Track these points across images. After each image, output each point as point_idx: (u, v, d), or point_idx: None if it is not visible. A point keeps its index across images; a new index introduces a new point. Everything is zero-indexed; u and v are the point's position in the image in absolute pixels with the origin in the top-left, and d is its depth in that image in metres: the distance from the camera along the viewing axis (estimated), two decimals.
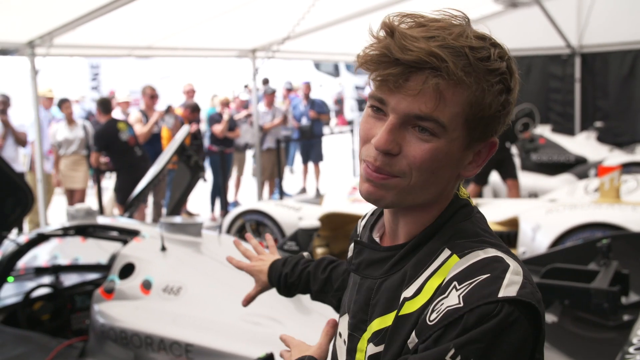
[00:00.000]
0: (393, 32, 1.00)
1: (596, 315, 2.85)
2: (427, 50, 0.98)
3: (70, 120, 8.74)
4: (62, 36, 6.53)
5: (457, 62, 0.99)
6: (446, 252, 1.07)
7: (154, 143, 8.99)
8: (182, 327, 3.25)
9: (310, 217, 6.17)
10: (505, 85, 1.05)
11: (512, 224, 5.87)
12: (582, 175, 7.95)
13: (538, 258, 4.25)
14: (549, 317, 2.88)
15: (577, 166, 8.54)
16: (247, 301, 1.78)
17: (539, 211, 5.77)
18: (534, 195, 8.07)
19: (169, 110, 9.14)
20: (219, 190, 9.95)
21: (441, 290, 1.02)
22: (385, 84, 1.01)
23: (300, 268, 1.70)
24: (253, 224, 6.90)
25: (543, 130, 9.38)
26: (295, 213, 6.56)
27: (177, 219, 4.10)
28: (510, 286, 0.97)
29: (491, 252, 1.03)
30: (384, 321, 1.11)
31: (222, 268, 3.65)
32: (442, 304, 0.99)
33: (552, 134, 9.34)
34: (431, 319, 0.99)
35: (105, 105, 8.35)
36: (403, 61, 0.99)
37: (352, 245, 1.33)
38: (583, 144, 9.27)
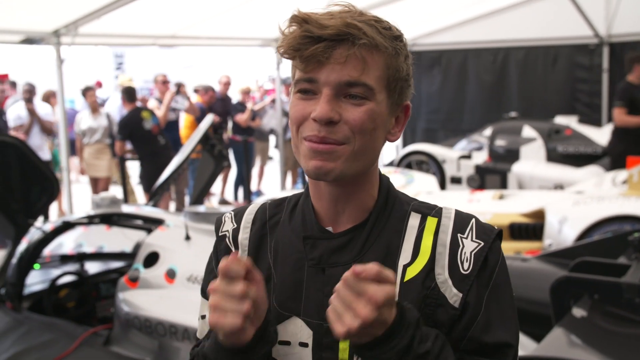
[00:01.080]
0: (307, 19, 1.10)
1: (627, 311, 2.79)
2: (343, 22, 1.09)
3: (94, 109, 8.79)
4: (87, 25, 6.56)
5: (371, 30, 1.11)
6: (415, 215, 1.22)
7: (171, 130, 9.03)
8: None
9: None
10: (407, 53, 1.19)
11: (538, 216, 5.80)
12: (609, 167, 7.82)
13: (566, 251, 4.19)
14: (578, 312, 2.83)
15: (604, 158, 8.41)
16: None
17: (566, 203, 5.68)
18: (559, 186, 7.97)
19: (179, 90, 9.12)
20: (242, 179, 9.97)
21: (452, 245, 1.18)
22: (314, 59, 1.10)
23: None
24: None
25: (569, 121, 9.24)
26: None
27: (202, 208, 4.10)
28: (487, 223, 1.23)
29: (449, 207, 1.24)
30: None
31: None
32: (464, 252, 1.17)
33: (579, 125, 9.19)
34: (465, 268, 1.16)
35: (129, 93, 8.38)
36: (325, 37, 1.09)
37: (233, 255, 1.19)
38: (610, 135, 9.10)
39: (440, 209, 1.23)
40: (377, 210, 1.21)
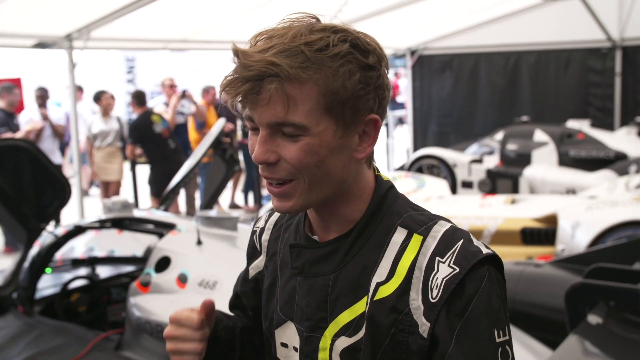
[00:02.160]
0: (238, 55, 1.08)
1: None
2: (262, 61, 1.04)
3: (105, 113, 8.82)
4: (99, 29, 6.58)
5: (292, 62, 1.04)
6: (402, 231, 1.14)
7: (180, 134, 9.03)
8: None
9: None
10: (358, 64, 1.08)
11: (551, 221, 5.76)
12: (622, 172, 7.75)
13: (579, 257, 4.15)
14: (594, 319, 2.80)
15: (616, 162, 8.34)
16: None
17: (579, 208, 5.64)
18: (571, 191, 7.91)
19: (185, 94, 9.12)
20: (252, 183, 9.96)
21: (427, 269, 1.08)
22: (244, 102, 1.08)
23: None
24: None
25: (582, 125, 9.19)
26: None
27: (213, 213, 4.09)
28: (482, 246, 1.10)
29: (445, 224, 1.13)
30: (353, 311, 1.14)
31: None
32: (436, 278, 1.07)
33: (591, 129, 9.13)
34: (433, 296, 1.06)
35: (139, 97, 8.40)
36: (248, 78, 1.05)
37: (256, 259, 1.37)
38: (623, 139, 9.04)
39: (433, 224, 1.13)
40: (362, 223, 1.17)
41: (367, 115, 1.12)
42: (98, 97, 8.89)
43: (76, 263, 4.46)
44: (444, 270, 1.07)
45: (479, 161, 9.08)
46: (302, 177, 1.10)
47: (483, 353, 1.04)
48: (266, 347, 1.33)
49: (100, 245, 4.79)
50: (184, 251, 3.69)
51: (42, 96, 8.57)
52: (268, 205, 7.18)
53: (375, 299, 1.11)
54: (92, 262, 4.39)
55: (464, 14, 10.43)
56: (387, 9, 8.24)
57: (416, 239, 1.12)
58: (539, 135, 8.82)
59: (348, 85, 1.07)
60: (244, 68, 1.06)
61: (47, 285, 4.09)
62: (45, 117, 8.25)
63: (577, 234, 5.35)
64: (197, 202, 8.71)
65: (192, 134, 9.25)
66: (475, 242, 1.10)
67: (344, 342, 1.14)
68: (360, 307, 1.13)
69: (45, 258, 3.90)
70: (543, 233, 5.77)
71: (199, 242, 3.71)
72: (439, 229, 1.12)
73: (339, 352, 1.15)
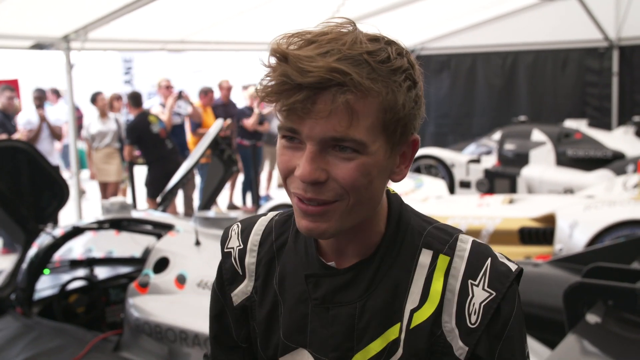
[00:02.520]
0: (286, 57, 0.94)
1: None
2: (326, 67, 0.92)
3: (103, 113, 8.81)
4: (96, 30, 6.58)
5: (360, 72, 0.94)
6: (427, 253, 1.09)
7: (177, 135, 9.03)
8: None
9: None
10: (412, 81, 1.01)
11: (549, 221, 5.76)
12: (620, 171, 7.77)
13: (577, 256, 4.15)
14: (592, 319, 2.80)
15: (614, 162, 8.36)
16: None
17: (577, 207, 5.65)
18: (569, 191, 7.92)
19: (181, 95, 9.11)
20: (250, 184, 9.96)
21: (461, 294, 1.06)
22: (294, 112, 0.95)
23: None
24: None
25: (579, 125, 9.21)
26: None
27: (211, 214, 4.09)
28: (507, 260, 1.08)
29: (466, 240, 1.10)
30: (386, 338, 1.08)
31: None
32: (473, 303, 1.05)
33: (589, 129, 9.15)
34: (472, 321, 1.04)
35: (135, 99, 8.40)
36: (305, 85, 0.93)
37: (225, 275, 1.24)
38: (620, 139, 9.06)
39: (455, 242, 1.09)
40: (384, 245, 1.10)
41: (412, 135, 1.05)
42: (94, 98, 8.89)
43: (74, 264, 4.46)
44: (480, 295, 1.05)
45: (477, 161, 9.09)
46: (347, 199, 1.00)
47: None
48: None
49: (99, 246, 4.79)
50: (183, 252, 3.69)
51: (40, 97, 8.57)
52: (266, 206, 7.18)
53: (411, 327, 1.07)
54: (90, 263, 4.38)
55: (462, 14, 10.45)
56: (384, 9, 8.24)
57: (443, 260, 1.08)
58: (537, 135, 8.83)
59: (407, 103, 0.99)
60: (299, 73, 0.93)
61: (46, 286, 4.09)
62: (43, 119, 8.24)
63: (575, 233, 5.36)
64: (196, 203, 8.71)
65: (191, 137, 9.27)
66: (500, 257, 1.08)
67: None
68: (392, 333, 1.08)
69: (44, 259, 3.89)
70: (541, 233, 5.77)
71: (198, 243, 3.71)
72: (464, 247, 1.08)
73: None
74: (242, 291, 1.24)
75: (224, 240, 1.26)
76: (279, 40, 0.97)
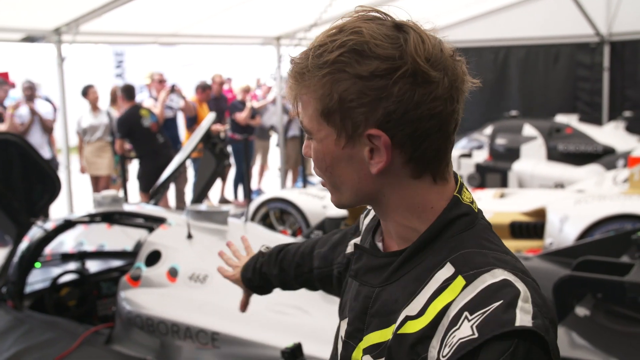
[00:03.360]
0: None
1: (630, 310, 2.79)
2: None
3: (94, 107, 8.78)
4: (88, 23, 6.56)
5: (299, 66, 1.07)
6: (449, 269, 1.02)
7: (169, 128, 9.01)
8: (209, 315, 3.24)
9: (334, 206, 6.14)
10: (351, 73, 1.01)
11: (539, 215, 5.80)
12: (610, 166, 7.82)
13: (567, 250, 4.19)
14: (581, 311, 2.83)
15: (604, 156, 8.41)
16: (244, 306, 1.92)
17: (567, 202, 5.68)
18: (560, 185, 7.97)
19: (174, 89, 9.08)
20: (242, 178, 9.96)
21: (452, 321, 0.97)
22: None
23: (258, 270, 1.78)
24: (277, 212, 6.89)
25: (570, 120, 9.25)
26: (320, 201, 6.54)
27: (203, 207, 4.09)
28: (524, 315, 0.93)
29: (499, 275, 0.98)
30: (383, 335, 1.09)
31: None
32: (454, 336, 0.94)
33: (580, 124, 9.19)
34: (444, 353, 0.95)
35: (128, 91, 8.37)
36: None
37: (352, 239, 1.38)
38: (611, 133, 9.11)
39: (485, 271, 0.99)
40: (415, 246, 1.08)
41: (367, 129, 1.03)
42: (85, 91, 8.85)
43: (66, 257, 4.45)
44: (464, 330, 0.94)
45: (468, 155, 9.12)
46: (325, 178, 1.13)
47: None
48: None
49: (90, 239, 4.78)
50: (175, 245, 3.69)
51: (31, 89, 8.52)
52: (258, 200, 7.18)
53: (399, 332, 1.03)
54: (81, 256, 4.37)
55: (453, 8, 10.46)
56: (377, 4, 8.24)
57: (459, 282, 1.00)
58: (528, 129, 8.86)
59: (334, 93, 1.02)
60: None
61: (37, 279, 4.08)
62: (33, 112, 8.20)
63: (566, 227, 5.39)
64: (188, 197, 8.70)
65: (186, 133, 9.26)
66: (519, 308, 0.93)
67: None
68: (387, 333, 1.08)
69: (35, 252, 3.88)
70: (532, 227, 5.81)
71: (190, 236, 3.71)
72: (487, 279, 0.98)
73: None
74: (352, 245, 1.33)
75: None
76: (306, 49, 1.10)
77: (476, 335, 0.92)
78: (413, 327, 1.02)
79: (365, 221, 1.32)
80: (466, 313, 0.95)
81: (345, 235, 1.54)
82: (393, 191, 1.08)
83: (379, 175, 1.07)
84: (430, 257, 1.06)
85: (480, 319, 0.93)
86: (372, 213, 1.30)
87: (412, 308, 1.03)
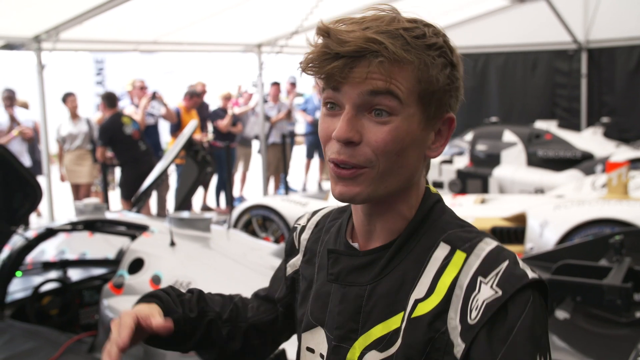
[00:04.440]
0: (329, 32, 1.03)
1: (609, 312, 2.84)
2: (363, 37, 1.01)
3: (74, 115, 8.73)
4: (68, 31, 6.53)
5: (394, 43, 1.02)
6: (444, 247, 1.08)
7: (150, 135, 8.99)
8: None
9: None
10: (447, 59, 1.08)
11: (520, 220, 5.85)
12: (589, 171, 7.92)
13: (547, 254, 4.23)
14: (561, 314, 2.87)
15: (583, 162, 8.52)
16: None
17: (547, 207, 5.74)
18: (540, 191, 8.05)
19: (155, 96, 9.05)
20: (224, 185, 9.94)
21: (467, 289, 1.03)
22: (332, 77, 1.04)
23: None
24: (260, 220, 6.90)
25: (549, 126, 9.35)
26: (302, 208, 6.55)
27: (186, 214, 4.09)
28: (528, 270, 1.03)
29: (491, 243, 1.07)
30: (386, 327, 1.10)
31: (232, 263, 3.64)
32: (477, 300, 1.01)
33: (558, 130, 9.30)
34: (472, 317, 1.01)
35: (110, 99, 8.34)
36: (343, 53, 1.02)
37: (297, 254, 1.34)
38: (589, 139, 9.24)
39: (478, 242, 1.07)
40: (405, 235, 1.12)
41: (447, 113, 1.11)
42: (65, 99, 8.80)
43: (47, 266, 4.41)
44: (486, 292, 1.00)
45: (449, 162, 9.18)
46: (377, 165, 1.05)
47: None
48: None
49: (71, 247, 4.75)
50: (157, 252, 3.68)
51: (10, 97, 8.46)
52: (240, 207, 7.17)
53: (412, 316, 1.06)
54: (63, 264, 4.35)
55: (434, 16, 10.50)
56: (355, 12, 8.28)
57: (459, 255, 1.06)
58: (508, 135, 8.95)
59: (440, 77, 1.06)
60: (338, 44, 1.02)
61: (18, 288, 4.05)
62: (12, 119, 8.14)
63: (546, 232, 5.45)
64: (170, 204, 8.67)
65: (171, 139, 9.24)
66: (522, 264, 1.04)
67: (374, 356, 1.10)
68: (394, 322, 1.09)
69: (16, 261, 3.85)
70: (512, 232, 5.86)
71: (172, 244, 3.71)
72: (484, 247, 1.06)
73: None
74: (294, 264, 1.35)
75: (298, 218, 1.39)
76: (327, 22, 1.06)
77: (500, 293, 0.99)
78: (425, 307, 1.06)
79: (303, 237, 1.33)
80: (480, 278, 1.02)
81: (279, 269, 1.43)
82: (417, 182, 1.14)
83: (422, 164, 1.13)
84: (423, 240, 1.11)
85: (497, 279, 1.01)
86: (308, 229, 1.33)
87: (420, 291, 1.07)
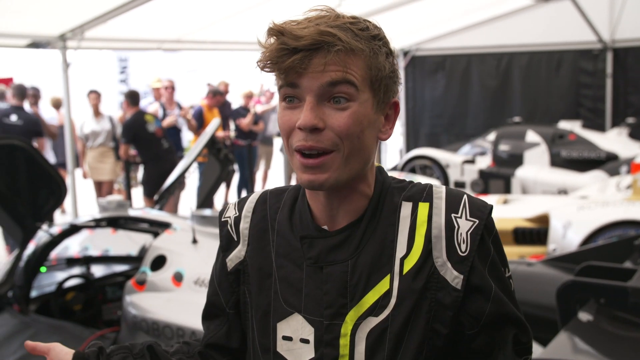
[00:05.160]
0: (282, 31, 1.10)
1: (633, 315, 2.80)
2: (317, 31, 1.09)
3: (96, 112, 8.81)
4: (92, 29, 6.58)
5: (346, 34, 1.11)
6: (407, 205, 1.22)
7: (173, 134, 9.05)
8: None
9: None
10: (388, 49, 1.19)
11: (542, 221, 5.80)
12: (613, 172, 7.82)
13: (571, 256, 4.19)
14: (584, 317, 2.84)
15: (607, 163, 8.42)
16: None
17: (570, 208, 5.69)
18: (563, 191, 7.98)
19: (181, 113, 9.10)
20: (246, 183, 9.98)
21: (447, 228, 1.17)
22: (292, 70, 1.11)
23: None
24: None
25: (573, 126, 9.26)
26: None
27: (208, 212, 4.12)
28: (480, 198, 1.22)
29: (439, 186, 1.24)
30: (377, 291, 1.18)
31: None
32: (461, 233, 1.17)
33: (583, 130, 9.20)
34: (462, 250, 1.16)
35: (133, 97, 8.40)
36: (301, 47, 1.09)
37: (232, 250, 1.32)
38: (614, 140, 9.13)
39: (431, 189, 1.22)
40: (371, 208, 1.22)
41: (393, 98, 1.21)
42: (87, 96, 8.89)
43: (71, 262, 4.47)
44: (465, 225, 1.17)
45: (472, 162, 9.13)
46: (342, 148, 1.13)
47: (506, 287, 1.21)
48: (252, 346, 1.29)
49: (95, 244, 4.80)
50: (180, 250, 3.71)
51: (35, 95, 8.56)
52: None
53: (404, 273, 1.17)
54: (87, 261, 4.40)
55: (457, 15, 10.48)
56: (380, 10, 8.27)
57: (423, 206, 1.20)
58: (531, 136, 8.88)
59: (386, 65, 1.16)
60: (294, 39, 1.09)
61: (43, 284, 4.10)
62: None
63: (569, 233, 5.40)
64: (184, 203, 8.72)
65: (193, 137, 9.30)
66: (472, 194, 1.22)
67: (370, 322, 1.17)
68: (383, 286, 1.18)
69: (41, 257, 3.91)
70: (535, 233, 5.81)
71: (195, 241, 3.73)
72: (440, 191, 1.22)
73: (365, 333, 1.17)
74: (235, 256, 1.33)
75: (222, 212, 1.38)
76: (276, 23, 1.13)
77: (477, 221, 1.17)
78: (412, 261, 1.18)
79: (242, 226, 1.31)
80: (452, 214, 1.18)
81: (215, 266, 1.39)
82: (373, 160, 1.23)
83: (376, 144, 1.22)
84: (386, 208, 1.22)
85: (468, 210, 1.18)
86: (245, 217, 1.32)
87: (400, 249, 1.19)
